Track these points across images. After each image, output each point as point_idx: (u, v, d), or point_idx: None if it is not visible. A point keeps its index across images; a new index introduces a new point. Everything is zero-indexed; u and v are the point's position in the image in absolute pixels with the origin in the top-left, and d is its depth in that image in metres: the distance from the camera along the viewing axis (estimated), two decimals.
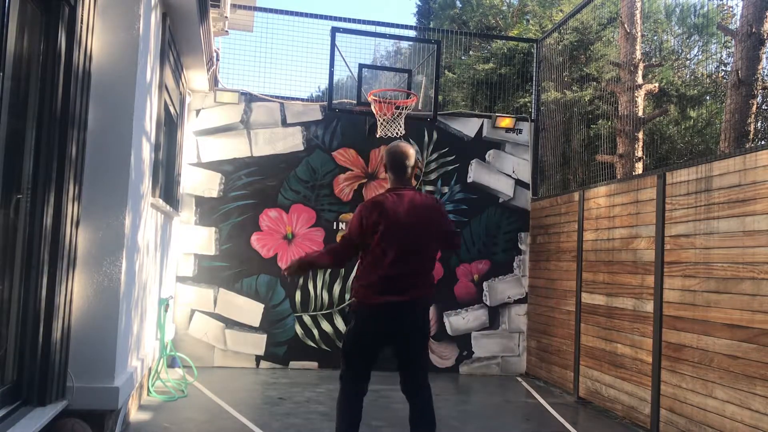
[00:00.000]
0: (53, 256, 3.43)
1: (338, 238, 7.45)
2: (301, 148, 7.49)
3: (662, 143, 10.88)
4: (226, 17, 6.74)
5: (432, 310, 7.60)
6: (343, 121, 7.55)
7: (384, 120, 6.70)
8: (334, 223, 7.48)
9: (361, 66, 6.88)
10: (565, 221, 6.93)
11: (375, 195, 3.87)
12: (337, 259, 3.66)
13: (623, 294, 5.66)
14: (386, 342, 3.61)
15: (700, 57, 13.00)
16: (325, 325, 7.38)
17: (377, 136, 6.81)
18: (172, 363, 6.71)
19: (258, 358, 7.21)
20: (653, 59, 11.61)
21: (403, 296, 3.50)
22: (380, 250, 3.48)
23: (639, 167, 8.84)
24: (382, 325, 3.54)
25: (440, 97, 8.46)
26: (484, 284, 7.74)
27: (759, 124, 10.53)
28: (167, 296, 6.32)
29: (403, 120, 6.73)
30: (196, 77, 6.82)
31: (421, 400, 3.64)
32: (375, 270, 3.50)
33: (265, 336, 7.24)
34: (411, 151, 3.73)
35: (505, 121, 7.89)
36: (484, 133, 7.92)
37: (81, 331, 3.82)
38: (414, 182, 3.98)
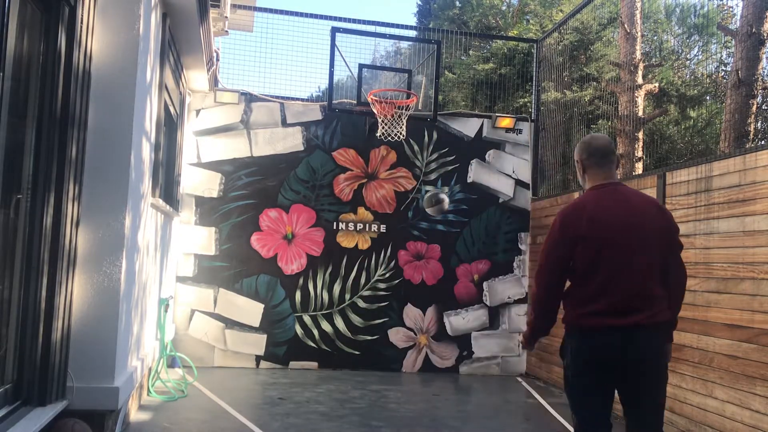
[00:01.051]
0: (53, 256, 3.43)
1: (338, 238, 7.45)
2: (301, 148, 7.49)
3: (662, 143, 10.88)
4: (226, 17, 6.74)
5: (432, 310, 7.61)
6: (343, 121, 7.56)
7: (384, 120, 6.70)
8: (334, 223, 7.48)
9: (361, 66, 6.88)
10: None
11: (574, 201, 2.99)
12: (546, 305, 2.96)
13: None
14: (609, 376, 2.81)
15: (700, 57, 13.00)
16: (325, 325, 7.38)
17: (377, 136, 6.81)
18: (172, 363, 6.71)
19: (258, 358, 7.21)
20: (653, 59, 11.62)
21: (626, 319, 2.74)
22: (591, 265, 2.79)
23: (639, 167, 8.84)
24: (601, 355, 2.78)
25: (440, 97, 8.47)
26: (484, 284, 7.74)
27: (759, 124, 10.53)
28: (167, 296, 6.32)
29: (403, 120, 6.73)
30: (196, 77, 6.82)
31: None
32: (587, 287, 2.81)
33: (265, 336, 7.24)
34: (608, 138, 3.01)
35: (505, 121, 7.89)
36: (484, 133, 7.92)
37: (81, 331, 3.82)
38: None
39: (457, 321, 7.66)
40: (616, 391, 2.87)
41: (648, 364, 2.78)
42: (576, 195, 6.69)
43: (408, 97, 6.82)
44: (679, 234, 2.95)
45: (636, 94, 8.85)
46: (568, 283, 2.95)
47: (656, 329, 2.80)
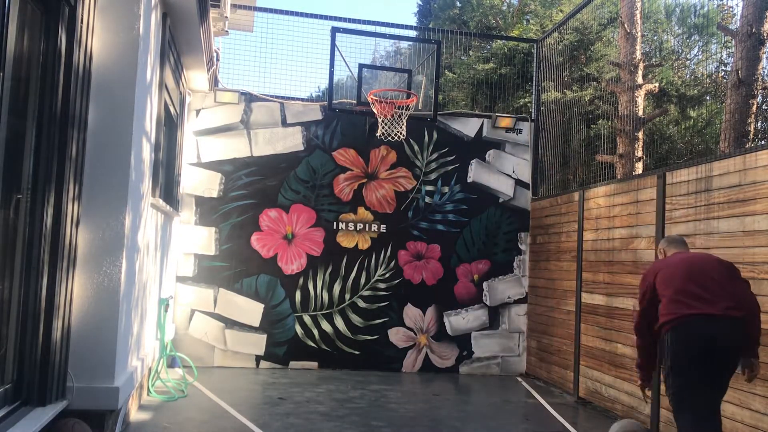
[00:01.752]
0: (53, 256, 3.43)
1: (338, 238, 7.46)
2: (301, 148, 7.49)
3: (662, 143, 10.88)
4: (226, 17, 6.74)
5: (432, 310, 7.62)
6: (343, 121, 7.55)
7: (384, 120, 6.70)
8: (334, 223, 7.48)
9: (361, 66, 6.88)
10: (565, 221, 6.93)
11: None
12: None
13: (623, 294, 5.65)
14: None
15: (700, 57, 13.00)
16: (325, 325, 7.38)
17: (377, 136, 6.81)
18: (172, 363, 6.71)
19: (258, 358, 7.21)
20: (653, 59, 11.61)
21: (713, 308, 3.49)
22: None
23: (639, 167, 8.84)
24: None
25: (440, 97, 8.47)
26: (484, 284, 7.74)
27: (759, 124, 10.53)
28: (167, 296, 6.32)
29: (403, 120, 6.73)
30: (196, 77, 6.82)
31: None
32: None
33: (265, 336, 7.24)
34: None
35: (505, 121, 7.89)
36: (484, 133, 7.92)
37: (81, 331, 3.82)
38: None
39: (457, 321, 7.66)
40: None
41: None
42: (576, 195, 6.70)
43: (408, 97, 6.82)
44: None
45: (636, 94, 8.85)
46: None
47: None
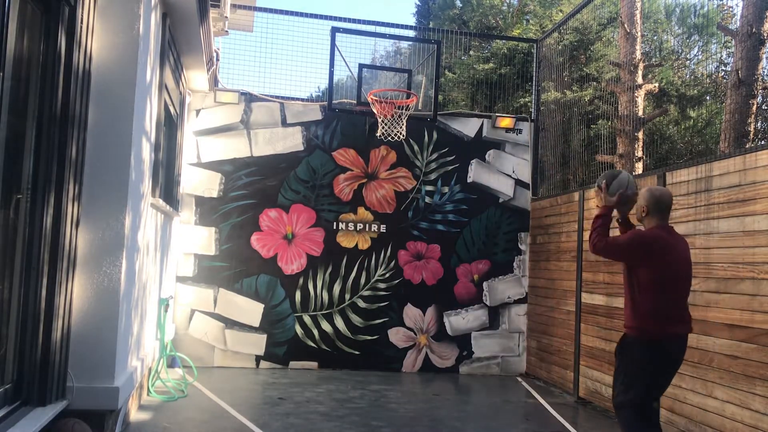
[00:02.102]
0: (53, 256, 3.43)
1: (338, 238, 7.46)
2: (301, 148, 7.49)
3: (662, 143, 10.88)
4: (226, 17, 6.74)
5: (432, 310, 7.62)
6: (343, 121, 7.55)
7: (384, 120, 6.70)
8: (334, 223, 7.48)
9: (361, 66, 6.88)
10: (565, 221, 6.93)
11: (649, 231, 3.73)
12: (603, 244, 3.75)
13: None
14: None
15: (700, 57, 13.00)
16: (325, 325, 7.38)
17: (377, 136, 6.81)
18: (172, 363, 6.71)
19: (258, 358, 7.21)
20: (653, 59, 11.61)
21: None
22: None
23: (639, 167, 8.84)
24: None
25: (440, 97, 8.47)
26: (484, 284, 7.74)
27: (759, 124, 10.53)
28: (167, 296, 6.32)
29: (404, 122, 6.73)
30: (196, 77, 6.82)
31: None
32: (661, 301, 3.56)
33: (265, 336, 7.24)
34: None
35: (505, 121, 7.89)
36: (484, 133, 7.92)
37: (81, 331, 3.82)
38: None
39: (457, 321, 7.66)
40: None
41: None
42: (576, 195, 6.69)
43: (408, 97, 6.82)
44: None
45: (636, 94, 8.85)
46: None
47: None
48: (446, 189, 7.75)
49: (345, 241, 7.49)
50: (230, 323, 7.19)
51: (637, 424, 3.53)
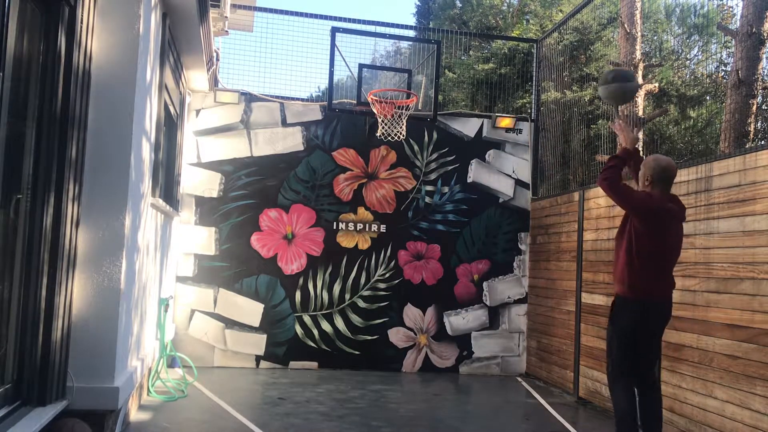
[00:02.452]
0: (53, 256, 3.43)
1: (338, 238, 7.46)
2: (301, 148, 7.49)
3: (662, 143, 10.88)
4: (226, 17, 6.73)
5: (432, 310, 7.62)
6: (343, 121, 7.55)
7: (384, 120, 6.70)
8: (334, 223, 7.48)
9: (361, 66, 6.88)
10: (565, 221, 6.93)
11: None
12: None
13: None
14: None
15: (700, 57, 13.00)
16: (325, 325, 7.38)
17: (377, 136, 6.81)
18: (172, 363, 6.71)
19: (258, 358, 7.21)
20: (653, 59, 11.61)
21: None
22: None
23: None
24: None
25: (440, 97, 8.47)
26: (484, 284, 7.74)
27: (759, 124, 10.52)
28: (167, 296, 6.32)
29: (404, 122, 6.73)
30: (196, 77, 6.82)
31: (658, 394, 3.96)
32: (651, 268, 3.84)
33: (265, 336, 7.24)
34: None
35: (505, 121, 7.89)
36: (484, 133, 7.92)
37: (81, 331, 3.82)
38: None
39: (457, 321, 7.66)
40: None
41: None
42: (576, 195, 6.69)
43: (408, 97, 6.82)
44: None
45: (636, 94, 8.85)
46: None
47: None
48: (446, 189, 7.75)
49: (345, 241, 7.49)
50: (230, 323, 7.19)
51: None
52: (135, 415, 4.88)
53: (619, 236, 3.94)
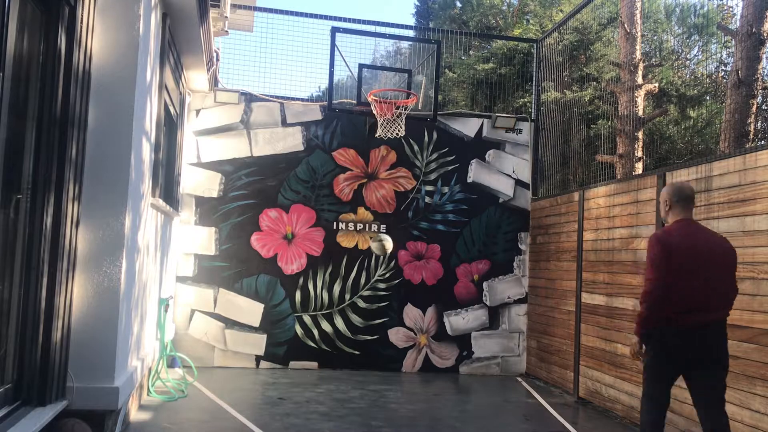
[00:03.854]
0: (53, 256, 3.43)
1: (338, 238, 7.46)
2: (301, 148, 7.49)
3: (662, 143, 10.88)
4: (226, 17, 6.73)
5: (432, 310, 7.62)
6: (343, 121, 7.55)
7: (384, 120, 6.70)
8: (334, 223, 7.48)
9: (361, 66, 6.88)
10: (565, 221, 6.93)
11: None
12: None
13: (623, 294, 5.66)
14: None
15: (700, 57, 13.00)
16: (325, 325, 7.38)
17: (377, 136, 6.81)
18: (172, 363, 6.71)
19: (258, 358, 7.21)
20: (653, 59, 11.61)
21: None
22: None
23: (639, 167, 8.84)
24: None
25: (440, 97, 8.46)
26: (484, 284, 7.74)
27: (759, 124, 10.53)
28: (167, 296, 6.32)
29: (403, 120, 6.73)
30: (196, 77, 6.82)
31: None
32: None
33: (265, 336, 7.24)
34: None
35: (505, 121, 7.88)
36: (484, 133, 7.92)
37: (81, 331, 3.82)
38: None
39: (457, 321, 7.66)
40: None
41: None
42: (576, 195, 6.70)
43: (408, 97, 6.83)
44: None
45: (636, 94, 8.85)
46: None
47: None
48: (446, 189, 7.75)
49: (345, 241, 7.49)
50: (230, 323, 7.19)
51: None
52: (135, 415, 4.88)
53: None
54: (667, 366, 3.61)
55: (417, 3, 18.16)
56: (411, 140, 7.61)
